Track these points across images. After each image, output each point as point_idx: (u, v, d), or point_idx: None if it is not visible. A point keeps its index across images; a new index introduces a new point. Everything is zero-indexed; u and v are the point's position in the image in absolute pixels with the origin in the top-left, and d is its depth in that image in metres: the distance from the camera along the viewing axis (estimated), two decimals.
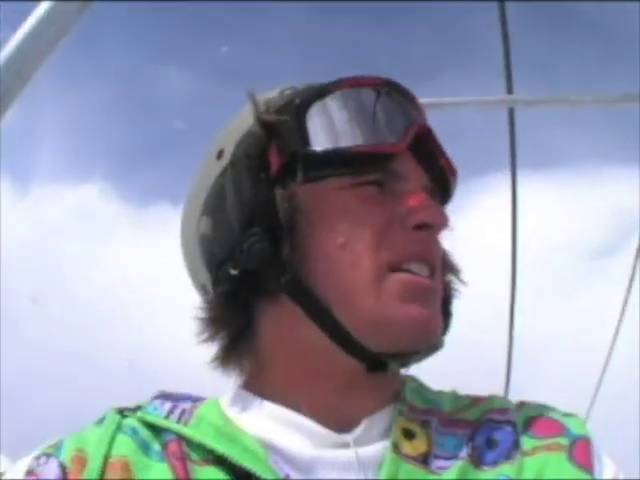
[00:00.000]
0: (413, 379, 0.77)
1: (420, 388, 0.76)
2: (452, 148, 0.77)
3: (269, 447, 0.65)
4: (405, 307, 0.67)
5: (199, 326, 0.74)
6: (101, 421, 0.68)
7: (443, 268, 0.76)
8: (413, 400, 0.73)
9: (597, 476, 0.66)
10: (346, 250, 0.68)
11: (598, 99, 3.21)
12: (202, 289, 0.78)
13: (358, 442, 0.66)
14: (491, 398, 0.76)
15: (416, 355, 0.71)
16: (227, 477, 0.62)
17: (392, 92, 0.75)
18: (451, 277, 0.79)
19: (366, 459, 0.65)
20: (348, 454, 0.65)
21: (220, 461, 0.63)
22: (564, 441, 0.69)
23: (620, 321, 5.46)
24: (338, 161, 0.71)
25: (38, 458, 0.65)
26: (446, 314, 0.76)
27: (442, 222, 0.71)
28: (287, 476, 0.62)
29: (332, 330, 0.68)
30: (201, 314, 0.74)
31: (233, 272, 0.69)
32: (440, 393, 0.77)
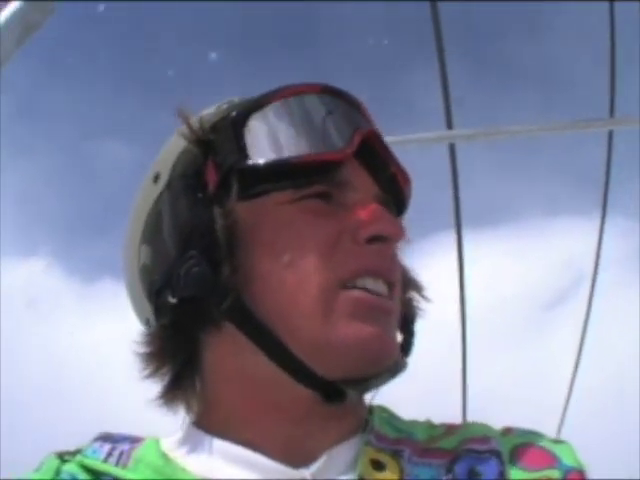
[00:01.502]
0: (383, 409, 0.71)
1: (391, 418, 0.71)
2: None
3: None
4: (355, 327, 0.62)
5: (140, 361, 0.69)
6: (40, 467, 0.64)
7: (403, 285, 0.71)
8: (382, 429, 0.67)
9: None
10: (291, 269, 0.63)
11: (540, 128, 3.10)
12: (147, 324, 0.72)
13: (318, 476, 0.60)
14: (469, 425, 0.70)
15: (373, 380, 0.64)
16: None
17: (335, 98, 0.70)
18: (413, 294, 0.74)
19: None
20: None
21: None
22: (556, 474, 0.64)
23: (576, 368, 5.42)
24: (279, 173, 0.65)
25: None
26: (408, 333, 0.73)
27: (397, 233, 0.66)
28: None
29: (280, 357, 0.63)
30: (141, 348, 0.70)
31: (172, 300, 0.65)
32: (413, 422, 0.71)
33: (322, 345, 0.62)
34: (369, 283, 0.63)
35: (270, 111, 0.68)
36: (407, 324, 0.72)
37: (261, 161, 0.65)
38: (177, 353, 0.69)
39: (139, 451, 0.65)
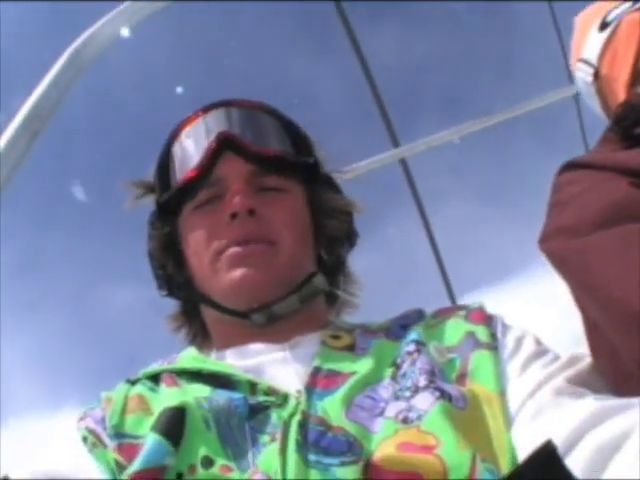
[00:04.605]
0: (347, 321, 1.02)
1: (351, 323, 0.99)
2: None
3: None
4: (232, 273, 0.89)
5: (170, 326, 1.06)
6: (115, 389, 0.85)
7: (324, 214, 1.01)
8: (341, 324, 0.97)
9: (498, 330, 0.82)
10: (195, 253, 0.94)
11: (489, 119, 3.10)
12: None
13: (294, 346, 0.85)
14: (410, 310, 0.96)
15: (274, 304, 0.91)
16: (207, 387, 0.79)
17: (207, 114, 0.98)
18: (329, 222, 1.02)
19: (300, 354, 0.83)
20: (285, 353, 0.84)
21: (201, 379, 0.81)
22: (462, 313, 0.88)
23: None
24: (178, 194, 0.96)
25: (86, 409, 0.84)
26: (332, 253, 1.03)
27: (247, 206, 0.90)
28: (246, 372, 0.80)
29: (214, 306, 0.94)
30: (171, 322, 1.06)
31: (163, 293, 1.03)
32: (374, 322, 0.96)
33: (223, 291, 0.91)
34: (238, 248, 0.89)
35: (172, 150, 0.99)
36: (329, 245, 1.02)
37: (168, 192, 0.97)
38: (192, 321, 1.04)
39: (182, 354, 0.92)
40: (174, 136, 0.99)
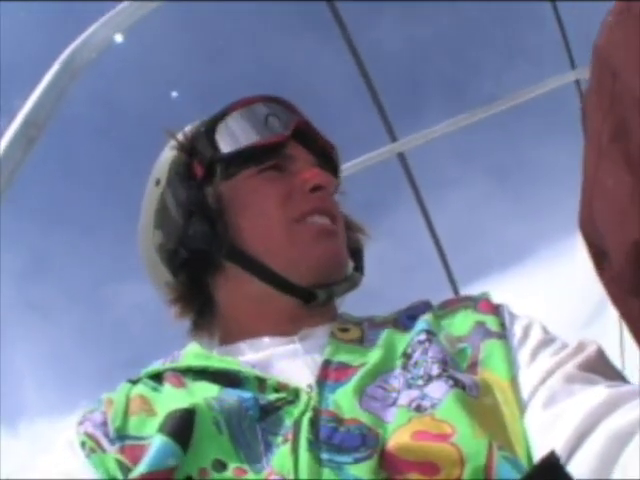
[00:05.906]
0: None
1: (356, 316, 0.95)
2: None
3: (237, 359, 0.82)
4: (315, 247, 0.89)
5: (168, 307, 1.00)
6: (116, 390, 0.82)
7: (347, 227, 1.01)
8: (348, 317, 0.94)
9: (506, 319, 0.82)
10: (261, 216, 0.91)
11: (489, 109, 3.09)
12: (166, 286, 1.01)
13: (303, 338, 0.85)
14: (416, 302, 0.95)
15: (336, 285, 0.91)
16: (215, 385, 0.76)
17: (274, 102, 0.99)
18: (356, 234, 1.05)
19: (310, 347, 0.82)
20: (295, 346, 0.83)
21: (207, 377, 0.79)
22: (470, 304, 0.88)
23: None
24: (243, 157, 0.94)
25: (86, 412, 0.80)
26: (358, 259, 1.02)
27: (330, 182, 0.95)
28: (253, 367, 0.78)
29: (267, 277, 0.90)
30: (167, 297, 1.00)
31: (185, 255, 0.94)
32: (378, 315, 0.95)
33: (295, 261, 0.89)
34: (317, 218, 0.92)
35: (230, 118, 0.97)
36: (356, 253, 1.02)
37: (229, 151, 0.94)
38: (195, 297, 0.98)
39: (184, 350, 0.88)
40: (230, 109, 0.99)
